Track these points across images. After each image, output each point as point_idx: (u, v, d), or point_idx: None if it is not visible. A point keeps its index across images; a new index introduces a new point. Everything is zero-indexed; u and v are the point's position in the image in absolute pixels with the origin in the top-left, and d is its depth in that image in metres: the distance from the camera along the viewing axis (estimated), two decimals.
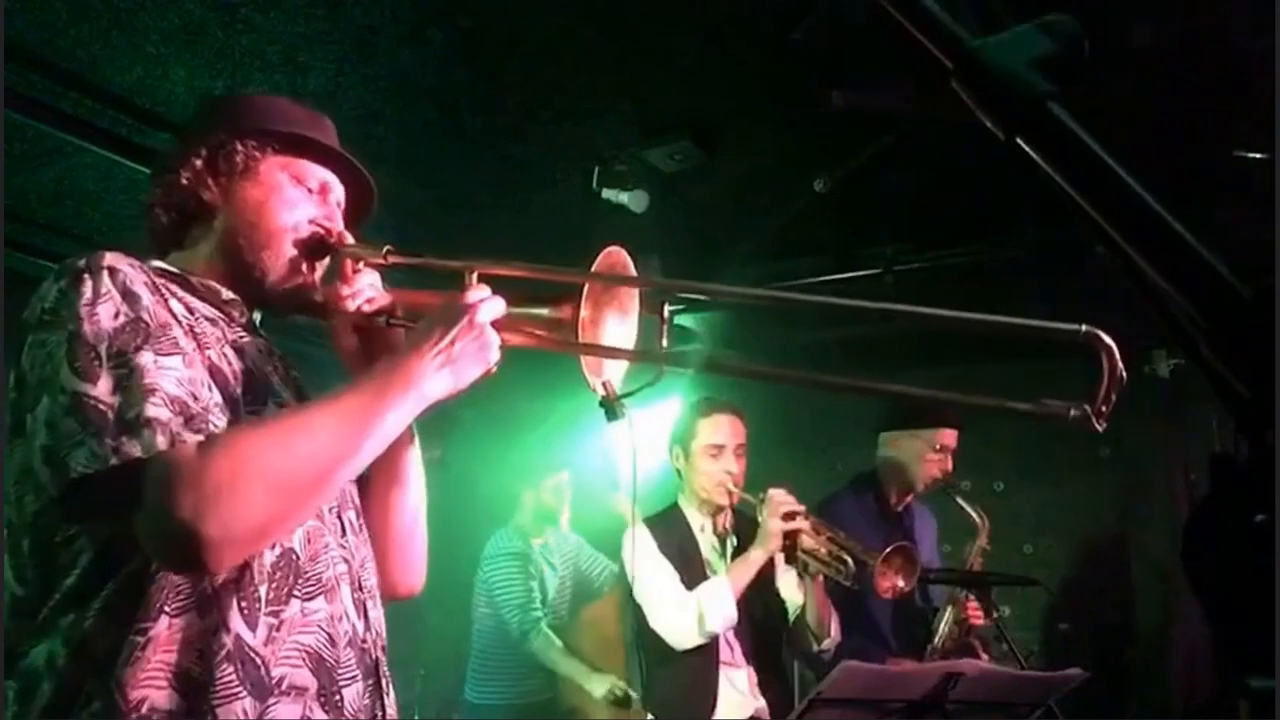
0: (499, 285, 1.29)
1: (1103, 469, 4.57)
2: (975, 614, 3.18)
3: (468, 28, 2.50)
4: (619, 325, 1.37)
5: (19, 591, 1.13)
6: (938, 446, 3.27)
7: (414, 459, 1.47)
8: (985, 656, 3.03)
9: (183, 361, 1.14)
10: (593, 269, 1.28)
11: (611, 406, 1.29)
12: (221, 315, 1.31)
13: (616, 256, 1.32)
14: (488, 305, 1.23)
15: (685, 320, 4.54)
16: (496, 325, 1.24)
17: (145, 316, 1.14)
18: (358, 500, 1.42)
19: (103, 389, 1.08)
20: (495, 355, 1.23)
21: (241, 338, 1.31)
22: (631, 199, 3.20)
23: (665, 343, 1.28)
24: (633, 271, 1.36)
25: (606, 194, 3.20)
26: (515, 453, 4.39)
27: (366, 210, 1.51)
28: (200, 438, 1.09)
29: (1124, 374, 0.92)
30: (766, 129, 3.07)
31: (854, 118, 2.76)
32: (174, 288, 1.26)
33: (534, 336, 1.29)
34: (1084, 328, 0.98)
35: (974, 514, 3.40)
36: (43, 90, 2.66)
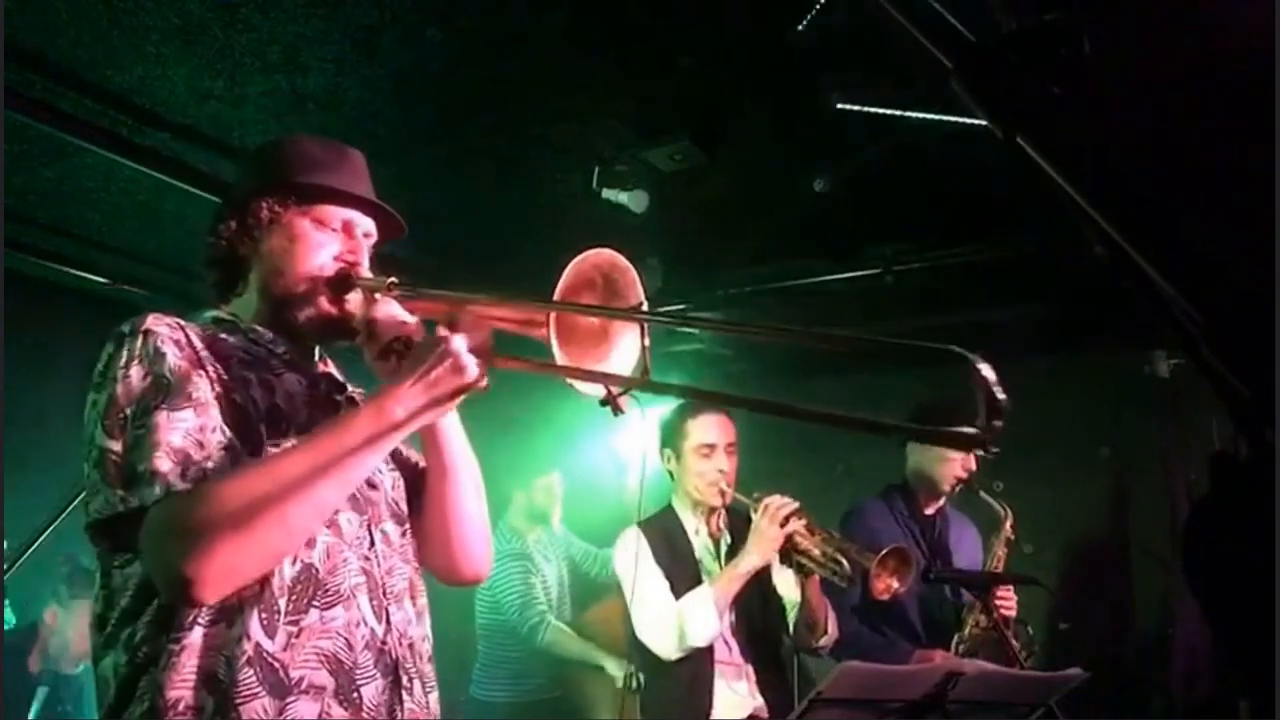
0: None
1: (1103, 469, 4.58)
2: (1006, 606, 3.18)
3: (468, 28, 2.50)
4: (604, 338, 1.43)
5: (97, 610, 1.34)
6: (959, 453, 3.25)
7: (459, 454, 1.59)
8: (1015, 645, 3.03)
9: (194, 413, 1.30)
10: (570, 272, 1.34)
11: (614, 403, 1.33)
12: (266, 355, 1.48)
13: (602, 257, 1.38)
14: (458, 337, 1.35)
15: None
16: (481, 351, 1.35)
17: (167, 374, 1.31)
18: (405, 510, 1.57)
19: (120, 445, 1.27)
20: (471, 376, 1.34)
21: (277, 375, 1.46)
22: (631, 199, 3.20)
23: (645, 365, 1.37)
24: (623, 266, 1.40)
25: (606, 194, 3.20)
26: (508, 452, 4.39)
27: (399, 231, 1.65)
28: (191, 486, 1.24)
29: (998, 394, 0.89)
30: (766, 129, 3.07)
31: (854, 118, 2.76)
32: (219, 335, 1.44)
33: (522, 361, 1.39)
34: (954, 349, 0.95)
35: (998, 506, 3.43)
36: (43, 90, 2.66)
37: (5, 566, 2.87)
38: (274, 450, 1.35)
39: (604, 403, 1.34)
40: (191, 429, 1.28)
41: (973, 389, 0.92)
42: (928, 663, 2.92)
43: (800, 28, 2.40)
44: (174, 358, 1.33)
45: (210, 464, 1.27)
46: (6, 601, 3.51)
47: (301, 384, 1.49)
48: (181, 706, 1.23)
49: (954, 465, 3.28)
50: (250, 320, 1.52)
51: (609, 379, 1.35)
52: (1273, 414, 0.48)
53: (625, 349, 1.42)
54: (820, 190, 3.20)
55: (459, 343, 1.34)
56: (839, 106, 2.71)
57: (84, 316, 3.51)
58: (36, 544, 2.79)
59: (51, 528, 2.76)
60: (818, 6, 2.34)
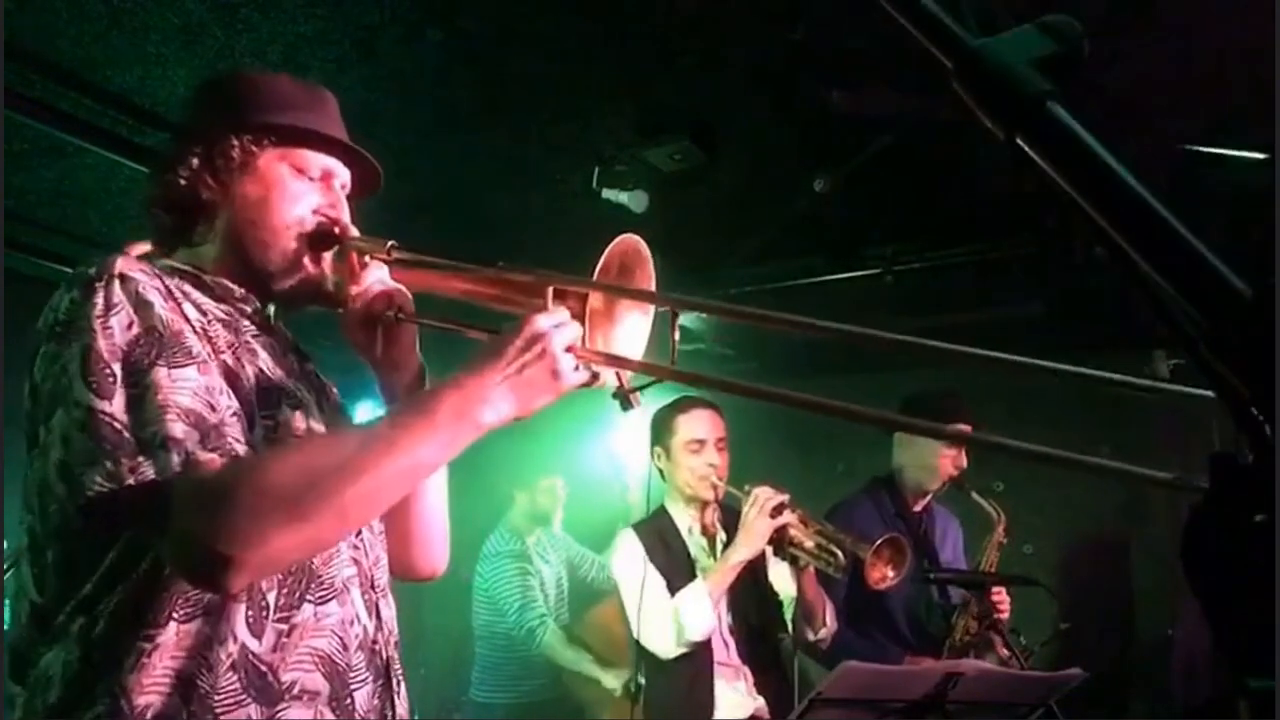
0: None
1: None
2: (1001, 607, 3.15)
3: (468, 28, 2.50)
4: (632, 321, 1.33)
5: (37, 599, 1.14)
6: (950, 444, 3.22)
7: None
8: (1005, 652, 3.02)
9: (197, 370, 1.13)
10: (604, 257, 1.23)
11: (625, 397, 1.24)
12: (235, 314, 1.29)
13: (628, 243, 1.26)
14: (564, 331, 1.16)
15: (686, 320, 4.52)
16: (574, 350, 1.17)
17: (159, 326, 1.13)
18: None
19: (117, 405, 1.08)
20: (567, 384, 1.17)
21: (255, 337, 1.29)
22: (631, 199, 3.20)
23: (674, 352, 1.24)
24: (646, 258, 1.30)
25: (606, 194, 3.20)
26: (511, 452, 4.38)
27: (374, 187, 1.48)
28: (216, 456, 1.08)
29: None
30: (766, 129, 3.07)
31: (854, 118, 2.76)
32: (187, 288, 1.24)
33: (596, 355, 1.21)
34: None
35: (990, 509, 3.39)
36: (43, 90, 2.66)
37: (5, 566, 2.87)
38: (267, 425, 1.20)
39: (616, 395, 1.24)
40: (198, 389, 1.11)
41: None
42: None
43: (800, 28, 2.40)
44: (161, 307, 1.14)
45: (227, 429, 1.11)
46: (7, 601, 3.51)
47: (276, 350, 1.32)
48: (150, 714, 1.06)
49: (946, 462, 3.23)
50: (212, 272, 1.31)
51: (662, 372, 1.21)
52: (1273, 414, 0.48)
53: (630, 332, 1.31)
54: (820, 190, 3.19)
55: (559, 338, 1.15)
56: (839, 106, 2.71)
57: None
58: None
59: None
60: (817, 7, 2.35)
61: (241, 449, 1.12)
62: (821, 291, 4.06)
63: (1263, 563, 0.46)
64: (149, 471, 1.06)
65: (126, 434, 1.07)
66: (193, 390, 1.11)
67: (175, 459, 1.06)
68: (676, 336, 1.23)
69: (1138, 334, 4.08)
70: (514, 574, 4.21)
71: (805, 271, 4.05)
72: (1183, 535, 0.51)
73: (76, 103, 2.74)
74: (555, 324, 1.16)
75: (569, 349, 1.16)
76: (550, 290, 1.22)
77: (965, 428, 3.22)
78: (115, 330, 1.11)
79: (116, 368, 1.09)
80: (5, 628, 3.53)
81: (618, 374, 1.25)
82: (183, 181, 1.31)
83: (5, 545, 2.96)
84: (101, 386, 1.08)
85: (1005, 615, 3.14)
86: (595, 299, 1.24)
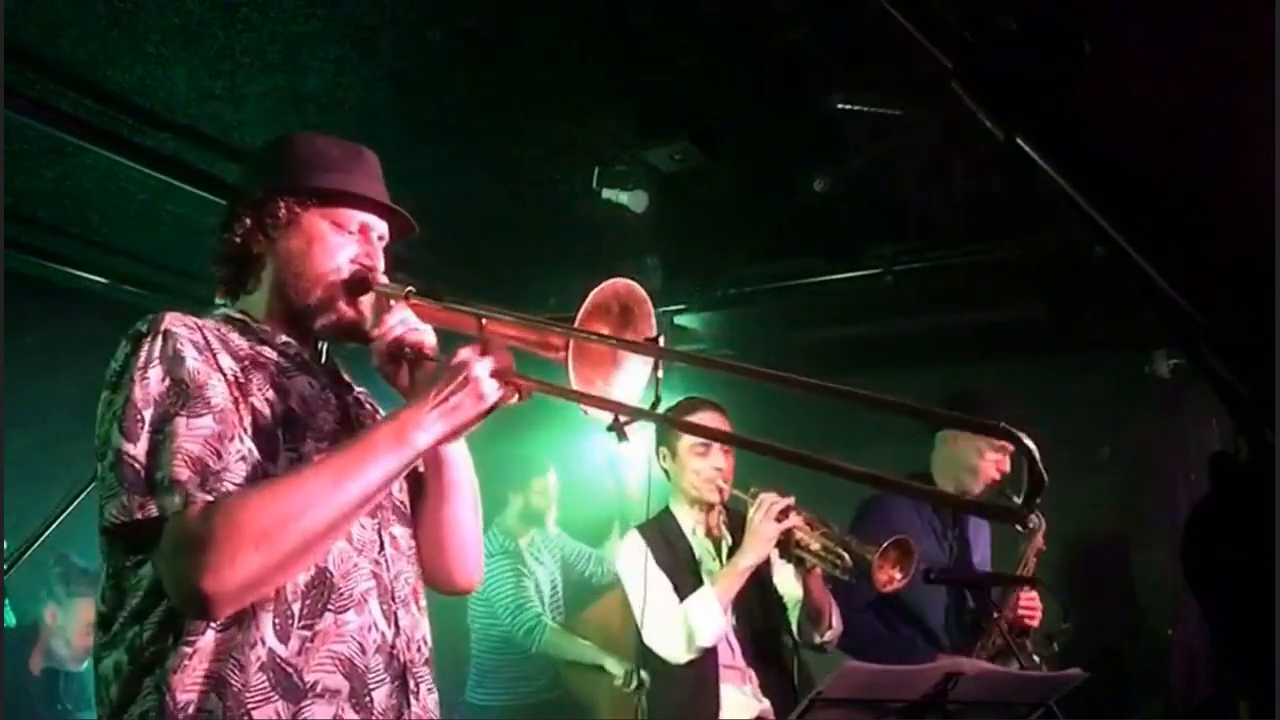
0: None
1: (1103, 469, 4.57)
2: (1029, 614, 3.12)
3: (468, 28, 2.50)
4: (634, 366, 1.44)
5: (102, 609, 1.34)
6: (998, 444, 3.12)
7: (461, 475, 1.61)
8: (1036, 659, 2.99)
9: (212, 420, 1.30)
10: (593, 297, 1.35)
11: (620, 430, 1.35)
12: (274, 355, 1.48)
13: (621, 287, 1.39)
14: (480, 362, 1.35)
15: (686, 320, 4.54)
16: (501, 375, 1.36)
17: (186, 379, 1.31)
18: (410, 513, 1.59)
19: (140, 449, 1.27)
20: (490, 403, 1.35)
21: (289, 377, 1.47)
22: (631, 199, 3.20)
23: (658, 388, 1.38)
24: (641, 296, 1.41)
25: (606, 194, 3.20)
26: (503, 454, 4.39)
27: (410, 231, 1.66)
28: (210, 497, 1.25)
29: (1044, 475, 0.89)
30: (766, 129, 3.07)
31: (854, 118, 2.76)
32: (232, 335, 1.45)
33: (542, 385, 1.38)
34: (1002, 425, 0.97)
35: (1034, 516, 3.34)
36: (43, 90, 2.66)
37: (5, 566, 2.87)
38: (290, 456, 1.37)
39: (611, 429, 1.35)
40: (210, 437, 1.29)
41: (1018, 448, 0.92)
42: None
43: (800, 28, 2.40)
44: (193, 360, 1.33)
45: (227, 474, 1.28)
46: (7, 601, 3.51)
47: (313, 386, 1.50)
48: (191, 710, 1.23)
49: (989, 465, 3.13)
50: (262, 320, 1.52)
51: (626, 410, 1.35)
52: (1273, 414, 0.48)
53: (633, 372, 1.44)
54: (820, 190, 3.19)
55: (480, 368, 1.34)
56: (839, 106, 2.71)
57: (84, 316, 3.51)
58: (37, 544, 2.79)
59: (52, 528, 2.76)
60: (817, 7, 2.35)
61: (250, 472, 1.31)
62: (821, 291, 4.06)
63: (1262, 563, 0.47)
64: (152, 509, 1.24)
65: (143, 475, 1.26)
66: (204, 438, 1.28)
67: (177, 499, 1.24)
68: (660, 374, 1.38)
69: (1138, 334, 4.08)
70: (508, 575, 4.20)
71: (805, 271, 4.05)
72: (1183, 535, 0.51)
73: (76, 103, 2.74)
74: (470, 358, 1.35)
75: (495, 374, 1.35)
76: (483, 323, 1.41)
77: (1006, 445, 3.18)
78: (151, 382, 1.30)
79: (146, 415, 1.28)
80: (7, 627, 3.54)
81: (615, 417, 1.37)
82: (237, 239, 1.52)
83: (5, 545, 2.96)
84: (131, 431, 1.28)
85: (1035, 620, 3.11)
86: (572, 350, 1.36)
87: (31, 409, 3.50)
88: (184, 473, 1.25)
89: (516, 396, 1.38)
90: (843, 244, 3.93)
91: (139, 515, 1.24)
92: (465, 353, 1.36)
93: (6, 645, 3.39)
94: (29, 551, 2.80)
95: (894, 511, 3.09)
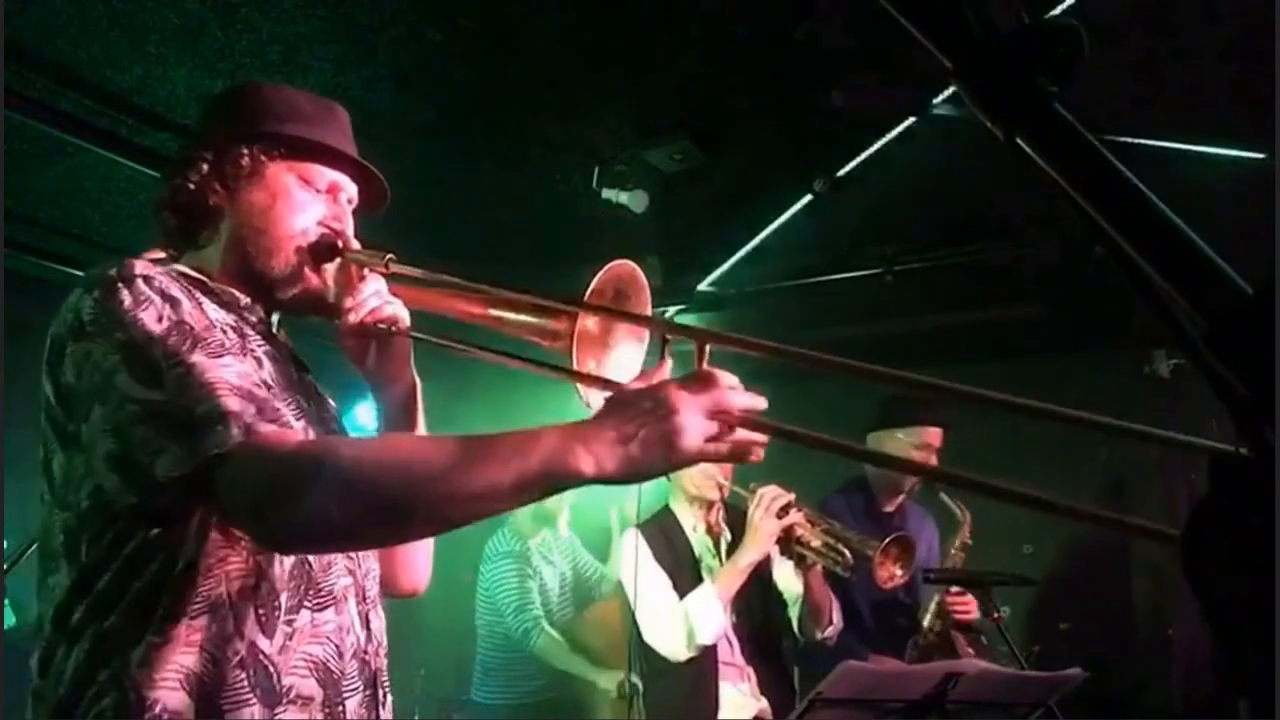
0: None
1: (1102, 469, 4.57)
2: (961, 610, 3.17)
3: (468, 28, 2.50)
4: (627, 349, 1.33)
5: (61, 597, 1.17)
6: (921, 445, 3.25)
7: None
8: (970, 651, 3.02)
9: (234, 358, 1.15)
10: (596, 280, 1.23)
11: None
12: (241, 322, 1.30)
13: (623, 269, 1.26)
14: (692, 407, 1.01)
15: (686, 320, 4.54)
16: (712, 434, 1.04)
17: (188, 319, 1.15)
18: None
19: (170, 393, 1.09)
20: (685, 460, 1.03)
21: (260, 346, 1.29)
22: (631, 199, 3.20)
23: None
24: (643, 284, 1.29)
25: (606, 194, 3.20)
26: None
27: (381, 203, 1.49)
28: (275, 427, 1.09)
29: None
30: (766, 129, 3.07)
31: (854, 118, 2.76)
32: (197, 293, 1.24)
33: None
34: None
35: (956, 509, 3.40)
36: (43, 90, 2.66)
37: (5, 567, 2.87)
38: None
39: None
40: (241, 372, 1.12)
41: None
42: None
43: (800, 28, 2.40)
44: (187, 304, 1.17)
45: (280, 404, 1.14)
46: (6, 601, 3.50)
47: (278, 360, 1.32)
48: (159, 709, 1.08)
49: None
50: (217, 278, 1.33)
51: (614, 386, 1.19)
52: (1273, 414, 0.48)
53: (625, 356, 1.32)
54: (820, 190, 3.19)
55: (692, 413, 1.01)
56: (839, 106, 2.71)
57: None
58: (37, 544, 2.79)
59: None
60: (818, 7, 2.35)
61: (298, 426, 1.15)
62: (821, 291, 4.06)
63: (1262, 563, 0.46)
64: (211, 448, 1.06)
65: (185, 418, 1.07)
66: (237, 372, 1.12)
67: (235, 431, 1.06)
68: (669, 362, 1.17)
69: (1138, 334, 4.08)
70: (512, 575, 4.21)
71: (805, 271, 4.05)
72: (1182, 535, 0.51)
73: (76, 103, 2.74)
74: (691, 395, 1.02)
75: (706, 428, 1.02)
76: (578, 326, 1.20)
77: (936, 429, 3.26)
78: (148, 322, 1.12)
79: (157, 357, 1.11)
80: (7, 627, 3.53)
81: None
82: (191, 185, 1.33)
83: (5, 545, 2.96)
84: (148, 378, 1.10)
85: (968, 617, 3.15)
86: (589, 323, 1.24)
87: (31, 409, 3.49)
88: (233, 401, 1.07)
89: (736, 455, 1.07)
90: (843, 244, 3.93)
91: (196, 460, 1.05)
92: (675, 387, 1.03)
93: (6, 645, 3.39)
94: (29, 551, 2.80)
95: (834, 515, 3.11)
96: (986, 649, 3.12)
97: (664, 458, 1.01)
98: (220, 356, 1.13)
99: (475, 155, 3.22)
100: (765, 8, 2.42)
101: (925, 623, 3.18)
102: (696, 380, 1.04)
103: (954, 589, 3.17)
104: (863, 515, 3.27)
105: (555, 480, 1.02)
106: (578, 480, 1.02)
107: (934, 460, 3.27)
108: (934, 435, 3.27)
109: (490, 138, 3.09)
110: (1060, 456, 4.52)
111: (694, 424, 1.01)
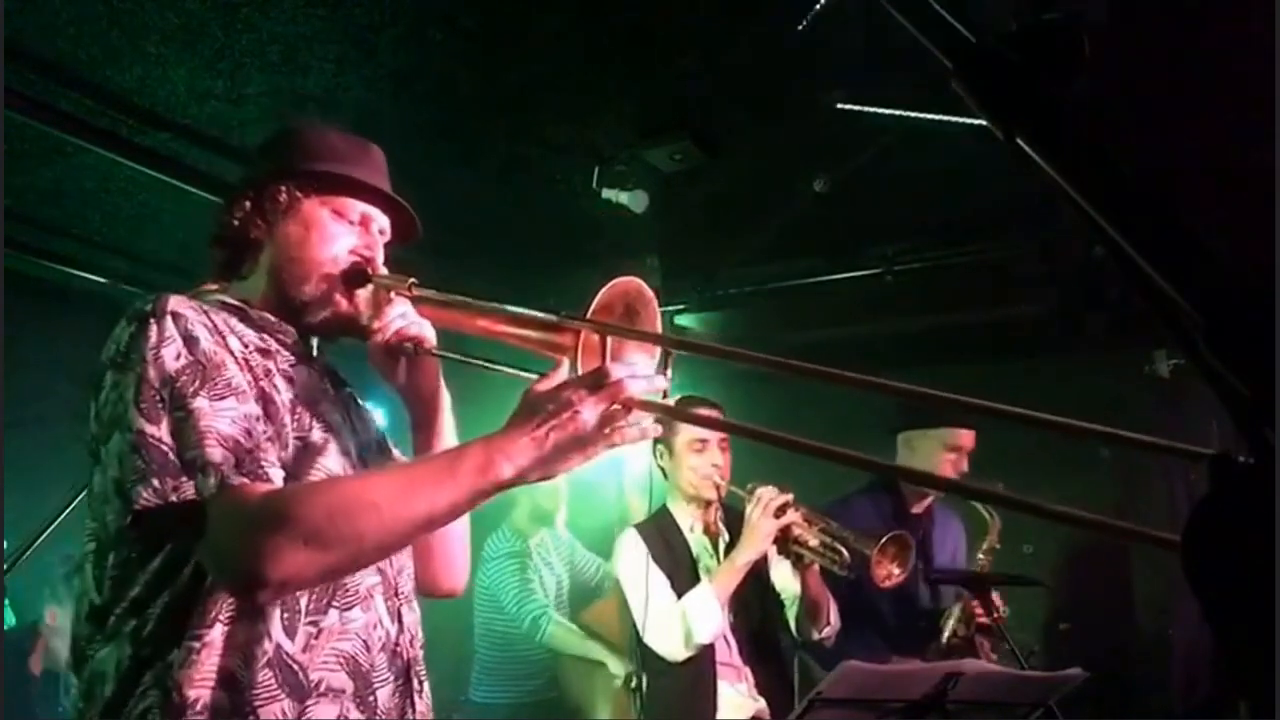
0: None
1: (1103, 469, 4.57)
2: (980, 612, 3.16)
3: (468, 28, 2.50)
4: (634, 355, 1.37)
5: (96, 600, 1.27)
6: (953, 446, 3.20)
7: None
8: (994, 657, 3.01)
9: (236, 400, 1.25)
10: (602, 295, 1.28)
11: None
12: (276, 345, 1.42)
13: (631, 286, 1.32)
14: (591, 401, 1.18)
15: (686, 320, 4.55)
16: (609, 419, 1.20)
17: (203, 359, 1.26)
18: None
19: (164, 430, 1.21)
20: (592, 449, 1.20)
21: (292, 366, 1.41)
22: (631, 199, 3.20)
23: (665, 394, 1.28)
24: (650, 300, 1.35)
25: (606, 194, 3.20)
26: None
27: (412, 234, 1.61)
28: (248, 480, 1.20)
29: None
30: (766, 129, 3.07)
31: (854, 118, 2.76)
32: (233, 321, 1.38)
33: (651, 405, 1.22)
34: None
35: (985, 513, 3.39)
36: (43, 90, 2.67)
37: (5, 567, 2.87)
38: (298, 445, 1.32)
39: None
40: (237, 417, 1.23)
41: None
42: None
43: (800, 27, 2.40)
44: (206, 341, 1.28)
45: (261, 453, 1.24)
46: (6, 601, 3.51)
47: (312, 377, 1.45)
48: (199, 706, 1.18)
49: (946, 467, 3.20)
50: (257, 305, 1.47)
51: (663, 409, 1.27)
52: (1273, 414, 0.48)
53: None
54: (820, 190, 3.19)
55: (591, 406, 1.18)
56: (839, 106, 2.71)
57: (84, 316, 3.50)
58: (36, 544, 2.79)
59: (52, 528, 2.76)
60: (818, 6, 2.35)
61: (275, 472, 1.25)
62: (821, 291, 4.06)
63: (1262, 563, 0.46)
64: (189, 491, 1.19)
65: (172, 456, 1.20)
66: (232, 418, 1.23)
67: (212, 481, 1.18)
68: (669, 374, 1.28)
69: (1138, 334, 4.08)
70: (513, 570, 4.20)
71: (805, 271, 4.05)
72: (1183, 536, 0.51)
73: (76, 103, 2.74)
74: (587, 390, 1.19)
75: (606, 417, 1.18)
76: (582, 339, 1.27)
77: (969, 431, 3.24)
78: (166, 360, 1.24)
79: (165, 394, 1.23)
80: (7, 627, 3.54)
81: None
82: (236, 222, 1.48)
83: (5, 545, 2.96)
84: (151, 412, 1.22)
85: (985, 621, 3.14)
86: (595, 337, 1.29)
87: (31, 408, 3.50)
88: (217, 453, 1.19)
89: (630, 436, 1.21)
90: (843, 244, 3.94)
91: (173, 498, 1.18)
92: (574, 386, 1.20)
93: (6, 646, 3.39)
94: (29, 551, 2.80)
95: (856, 516, 3.11)
96: (1008, 654, 3.11)
97: (577, 451, 1.19)
98: (224, 399, 1.24)
99: (475, 155, 3.22)
100: (765, 8, 2.42)
101: (949, 627, 3.14)
102: (594, 377, 1.20)
103: (980, 594, 3.15)
104: (890, 516, 3.22)
105: (483, 491, 1.20)
106: (502, 486, 1.19)
107: (965, 466, 3.22)
108: (966, 437, 3.23)
109: (490, 138, 3.09)
110: (1060, 455, 4.53)
111: (596, 424, 1.18)
